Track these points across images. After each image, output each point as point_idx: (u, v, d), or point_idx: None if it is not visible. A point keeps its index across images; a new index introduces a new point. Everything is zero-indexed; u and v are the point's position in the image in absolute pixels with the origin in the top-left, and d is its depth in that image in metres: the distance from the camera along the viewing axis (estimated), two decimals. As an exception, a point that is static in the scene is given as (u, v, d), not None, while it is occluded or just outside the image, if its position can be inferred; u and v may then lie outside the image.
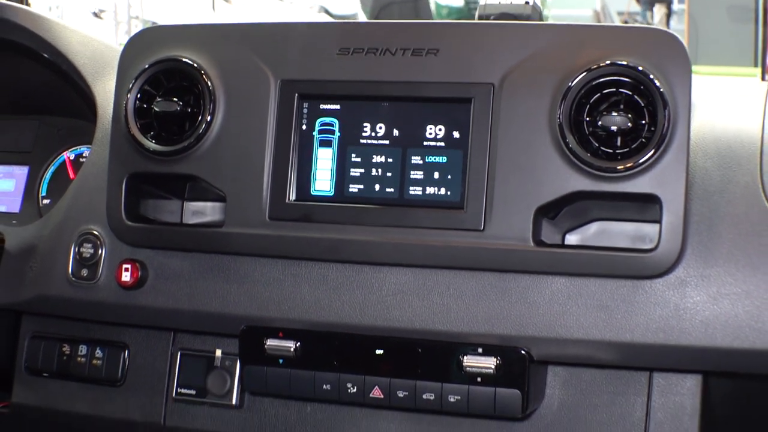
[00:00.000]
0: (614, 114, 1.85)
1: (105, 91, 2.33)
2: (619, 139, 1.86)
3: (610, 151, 1.87)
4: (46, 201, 2.55)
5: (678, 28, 8.79)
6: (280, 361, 2.08)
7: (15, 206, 2.57)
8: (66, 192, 2.31)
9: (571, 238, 2.03)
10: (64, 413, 2.36)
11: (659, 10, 9.93)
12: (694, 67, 1.89)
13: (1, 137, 2.64)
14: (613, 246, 1.96)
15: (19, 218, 2.53)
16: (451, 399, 2.00)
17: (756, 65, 6.58)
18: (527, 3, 2.14)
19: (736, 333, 1.85)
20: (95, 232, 2.22)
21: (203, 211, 2.24)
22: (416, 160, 1.99)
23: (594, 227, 2.03)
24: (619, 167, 1.85)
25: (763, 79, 2.79)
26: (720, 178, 1.92)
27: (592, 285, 1.92)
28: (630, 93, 1.87)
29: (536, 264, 1.93)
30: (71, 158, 2.56)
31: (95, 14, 9.02)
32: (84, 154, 2.55)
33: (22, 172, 2.59)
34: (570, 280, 1.93)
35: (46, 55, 2.43)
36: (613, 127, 1.85)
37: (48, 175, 2.57)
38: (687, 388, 2.01)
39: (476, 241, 1.93)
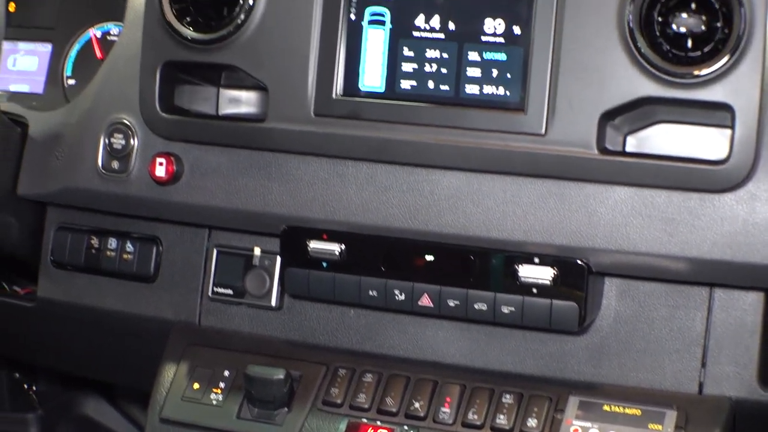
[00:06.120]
0: (685, 15, 1.73)
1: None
2: (689, 41, 1.74)
3: (681, 54, 1.75)
4: (71, 81, 2.42)
5: None
6: (324, 264, 1.99)
7: (38, 87, 2.44)
8: (95, 76, 2.19)
9: (632, 141, 1.91)
10: (93, 309, 2.27)
11: None
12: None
13: (22, 11, 2.49)
14: (679, 156, 1.84)
15: (43, 99, 2.40)
16: (505, 310, 1.91)
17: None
18: None
19: None
20: (126, 122, 2.10)
21: (240, 99, 2.13)
22: (473, 56, 1.87)
23: (656, 130, 1.90)
24: (695, 72, 1.73)
25: None
26: None
27: (658, 196, 1.82)
28: None
29: (599, 173, 1.82)
30: (98, 36, 2.41)
31: None
32: (111, 32, 2.41)
33: (45, 50, 2.44)
34: (634, 190, 1.83)
35: None
36: (683, 29, 1.73)
37: (73, 53, 2.42)
38: (749, 304, 1.92)
39: (537, 146, 1.83)
